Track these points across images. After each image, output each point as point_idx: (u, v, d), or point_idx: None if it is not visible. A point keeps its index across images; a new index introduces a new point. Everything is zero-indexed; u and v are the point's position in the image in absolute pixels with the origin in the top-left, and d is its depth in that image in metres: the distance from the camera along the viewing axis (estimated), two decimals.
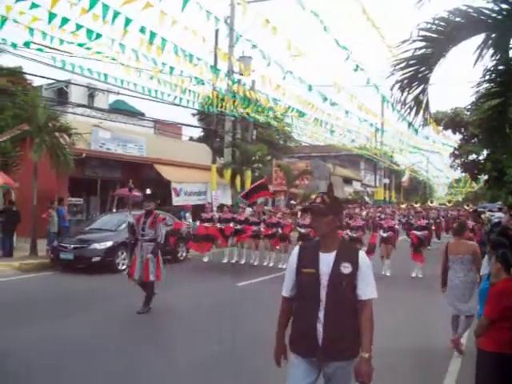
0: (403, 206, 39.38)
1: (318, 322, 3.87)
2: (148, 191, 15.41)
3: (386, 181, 61.22)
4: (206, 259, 18.93)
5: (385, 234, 16.94)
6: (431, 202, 39.47)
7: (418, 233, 16.83)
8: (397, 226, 24.47)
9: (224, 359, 7.58)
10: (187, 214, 22.12)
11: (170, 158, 28.55)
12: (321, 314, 3.87)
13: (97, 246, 15.85)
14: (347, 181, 56.99)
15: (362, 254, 3.98)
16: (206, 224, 18.69)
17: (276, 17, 14.92)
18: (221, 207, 23.92)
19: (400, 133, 33.09)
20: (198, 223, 19.11)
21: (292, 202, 33.90)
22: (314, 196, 37.23)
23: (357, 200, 50.36)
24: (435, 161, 65.98)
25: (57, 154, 18.78)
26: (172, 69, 14.89)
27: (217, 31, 23.84)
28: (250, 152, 29.06)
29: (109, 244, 15.98)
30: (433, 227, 25.48)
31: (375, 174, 61.46)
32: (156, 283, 10.64)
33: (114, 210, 23.85)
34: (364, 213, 33.13)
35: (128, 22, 11.05)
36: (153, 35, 11.90)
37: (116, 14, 10.68)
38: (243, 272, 16.68)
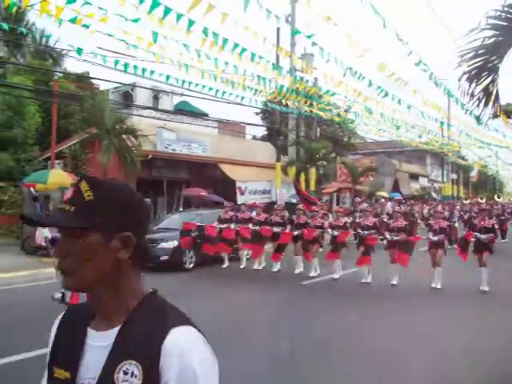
0: (466, 201, 37.15)
1: None
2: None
3: (454, 176, 59.76)
4: (224, 265, 17.03)
5: (435, 238, 13.88)
6: (498, 197, 36.24)
7: (483, 236, 13.52)
8: (456, 224, 23.28)
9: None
10: (254, 213, 22.15)
11: (234, 158, 28.76)
12: None
13: (164, 245, 16.09)
14: (413, 176, 55.92)
15: (177, 338, 1.52)
16: (223, 226, 16.74)
17: (337, 12, 14.77)
18: (291, 206, 23.79)
19: (468, 126, 32.19)
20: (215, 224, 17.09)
21: (357, 199, 33.51)
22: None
23: (424, 196, 49.35)
24: (506, 154, 63.94)
25: (124, 155, 19.22)
26: (236, 68, 14.96)
27: (278, 29, 23.84)
28: (314, 149, 28.93)
29: (176, 243, 16.19)
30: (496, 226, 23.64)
31: (442, 169, 60.00)
32: None
33: (181, 210, 24.20)
34: (425, 210, 31.68)
35: (191, 23, 11.17)
36: (215, 36, 12.00)
37: (179, 16, 10.81)
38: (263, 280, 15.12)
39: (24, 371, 6.53)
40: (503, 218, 25.58)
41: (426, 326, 9.68)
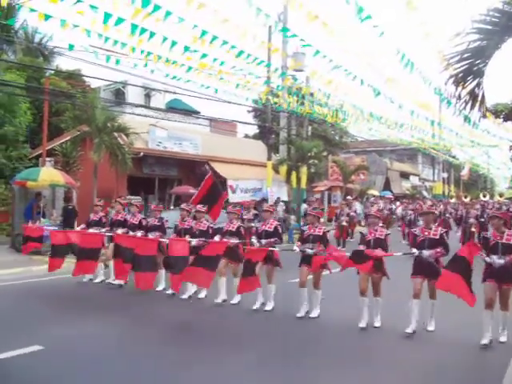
0: (452, 200, 33.15)
1: None
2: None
3: (445, 175, 59.99)
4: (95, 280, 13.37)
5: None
6: (484, 196, 32.55)
7: (426, 253, 8.80)
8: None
9: None
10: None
11: (226, 156, 28.83)
12: None
13: None
14: (404, 175, 56.12)
15: None
16: (92, 230, 12.97)
17: (327, 11, 14.83)
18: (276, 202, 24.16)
19: (458, 126, 32.34)
20: (79, 228, 13.81)
21: (348, 197, 33.65)
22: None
23: (414, 195, 49.46)
24: (497, 153, 64.14)
25: (115, 153, 19.25)
26: (222, 63, 14.96)
27: (270, 28, 23.90)
28: (306, 148, 28.99)
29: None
30: (473, 229, 20.81)
31: (433, 168, 60.29)
32: None
33: (172, 208, 24.22)
34: (399, 209, 29.28)
35: (180, 20, 11.22)
36: (204, 33, 12.04)
37: (168, 13, 10.85)
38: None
39: (5, 370, 6.10)
40: (482, 220, 21.05)
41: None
